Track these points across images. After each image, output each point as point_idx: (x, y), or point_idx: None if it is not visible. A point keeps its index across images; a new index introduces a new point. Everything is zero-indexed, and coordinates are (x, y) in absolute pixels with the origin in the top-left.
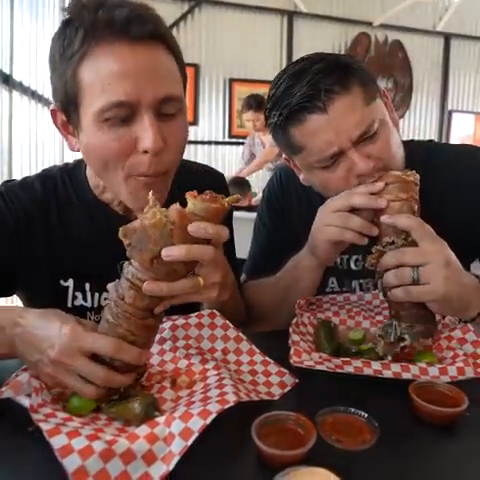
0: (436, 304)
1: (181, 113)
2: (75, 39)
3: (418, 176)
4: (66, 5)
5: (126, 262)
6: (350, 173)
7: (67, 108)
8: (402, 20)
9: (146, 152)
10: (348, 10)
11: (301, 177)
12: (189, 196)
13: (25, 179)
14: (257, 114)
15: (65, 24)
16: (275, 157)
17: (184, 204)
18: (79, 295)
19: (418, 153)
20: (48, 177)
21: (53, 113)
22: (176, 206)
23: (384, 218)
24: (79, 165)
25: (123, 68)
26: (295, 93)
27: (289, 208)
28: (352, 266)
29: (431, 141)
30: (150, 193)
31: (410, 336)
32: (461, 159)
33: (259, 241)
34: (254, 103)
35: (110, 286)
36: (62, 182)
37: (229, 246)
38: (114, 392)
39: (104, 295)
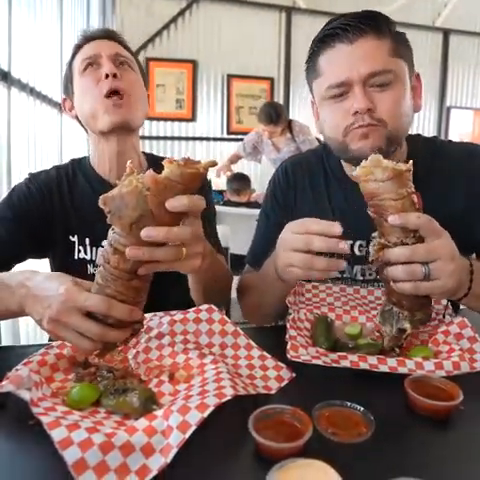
0: (439, 295)
1: (132, 69)
2: (73, 49)
3: (411, 162)
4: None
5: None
6: (350, 110)
7: (67, 91)
8: (401, 16)
9: (107, 76)
10: (347, 5)
11: (315, 124)
12: (165, 162)
13: (45, 169)
14: (276, 127)
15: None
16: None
17: None
18: (81, 249)
19: (422, 149)
20: (61, 166)
21: (63, 101)
22: (151, 172)
23: (393, 220)
24: (85, 157)
25: (92, 46)
26: (333, 24)
27: (293, 201)
28: (356, 252)
29: (436, 137)
30: (128, 162)
31: (411, 324)
32: (463, 157)
33: (261, 232)
34: (275, 118)
35: (99, 252)
36: (72, 167)
37: (209, 218)
38: (111, 347)
39: (100, 250)
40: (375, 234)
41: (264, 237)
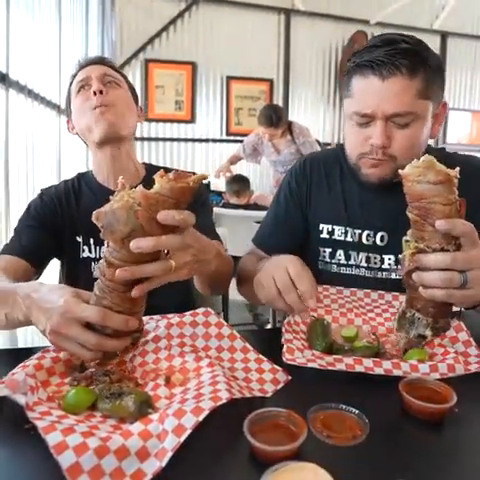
0: (468, 303)
1: (120, 87)
2: (72, 75)
3: (457, 168)
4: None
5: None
6: (368, 139)
7: (68, 111)
8: (399, 18)
9: (95, 94)
10: (345, 8)
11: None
12: (156, 176)
13: (54, 184)
14: (276, 130)
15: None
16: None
17: None
18: (86, 248)
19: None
20: (69, 180)
21: (67, 123)
22: (141, 188)
23: (440, 224)
24: (88, 172)
25: (86, 70)
26: (374, 54)
27: (307, 193)
28: (364, 240)
29: (443, 149)
30: (120, 178)
31: (433, 331)
32: (469, 170)
33: (270, 216)
34: (276, 120)
35: (96, 266)
36: (77, 180)
37: (208, 221)
38: (111, 356)
39: (103, 248)
40: (408, 237)
41: (272, 221)
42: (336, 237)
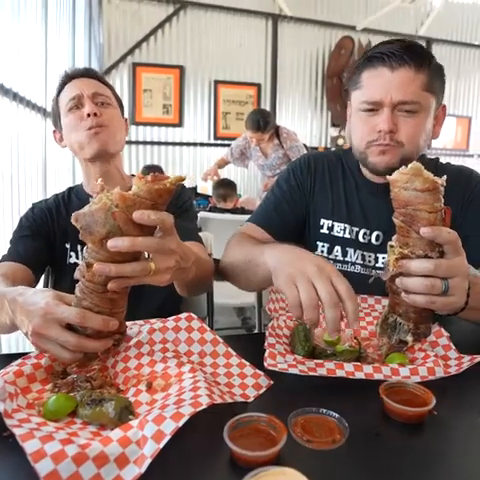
0: (448, 310)
1: (111, 105)
2: (57, 88)
3: (444, 177)
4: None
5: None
6: (376, 127)
7: (56, 125)
8: (385, 24)
9: (89, 115)
10: (332, 14)
11: (347, 127)
12: (135, 178)
13: (45, 198)
14: (263, 135)
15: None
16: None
17: None
18: (73, 254)
19: (427, 167)
20: (59, 193)
21: (54, 133)
22: (118, 190)
23: (425, 232)
24: (79, 184)
25: (75, 85)
26: (384, 48)
27: (311, 186)
28: (360, 238)
29: (437, 159)
30: (99, 180)
31: (414, 337)
32: (460, 178)
33: (271, 197)
34: (263, 125)
35: (77, 268)
36: (68, 193)
37: (191, 226)
38: (92, 357)
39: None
40: (393, 242)
41: (276, 201)
42: (335, 233)
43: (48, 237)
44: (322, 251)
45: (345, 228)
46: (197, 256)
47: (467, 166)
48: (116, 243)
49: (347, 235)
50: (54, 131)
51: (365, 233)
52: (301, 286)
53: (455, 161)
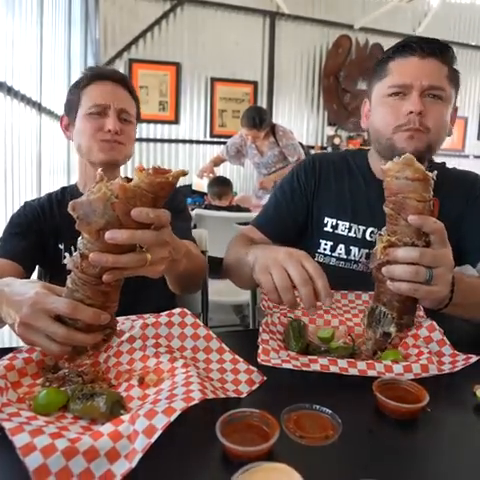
0: (430, 301)
1: (132, 123)
2: (84, 79)
3: (435, 172)
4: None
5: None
6: (405, 112)
7: (69, 113)
8: (382, 24)
9: (109, 131)
10: (329, 13)
11: (363, 123)
12: (135, 170)
13: (38, 197)
14: (259, 132)
15: (82, 74)
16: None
17: None
18: (67, 255)
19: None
20: (53, 193)
21: (62, 118)
22: (119, 180)
23: (413, 219)
24: (72, 185)
25: (103, 90)
26: (413, 39)
27: (315, 187)
28: (367, 237)
29: (444, 164)
30: (99, 170)
31: (397, 328)
32: (466, 180)
33: (273, 201)
34: (258, 122)
35: (70, 258)
36: (61, 192)
37: (185, 226)
38: (81, 351)
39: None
40: (383, 231)
41: (276, 205)
42: (339, 232)
43: (40, 236)
44: (325, 249)
45: (351, 227)
46: (187, 249)
47: (471, 171)
48: (115, 235)
49: (352, 234)
50: (63, 117)
51: (372, 231)
52: (274, 271)
53: (450, 161)
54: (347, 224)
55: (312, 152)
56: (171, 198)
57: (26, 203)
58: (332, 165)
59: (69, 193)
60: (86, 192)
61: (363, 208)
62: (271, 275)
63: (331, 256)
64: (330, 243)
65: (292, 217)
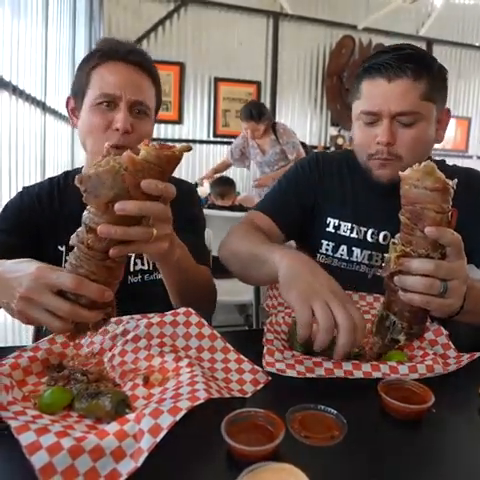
0: (441, 313)
1: (148, 117)
2: (94, 56)
3: (455, 180)
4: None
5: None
6: (375, 139)
7: (76, 96)
8: (386, 24)
9: (117, 130)
10: (333, 13)
11: (352, 130)
12: (142, 145)
13: (39, 182)
14: (258, 125)
15: (93, 50)
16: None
17: None
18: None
19: None
20: (54, 177)
21: (68, 99)
22: (128, 153)
23: (430, 231)
24: (77, 169)
25: (115, 76)
26: (381, 58)
27: (319, 184)
28: (368, 238)
29: (444, 161)
30: (106, 144)
31: (406, 337)
32: (470, 178)
33: (278, 188)
34: (256, 114)
35: (75, 234)
36: (64, 178)
37: (198, 241)
38: (82, 329)
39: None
40: (397, 240)
41: (283, 191)
42: (341, 232)
43: (33, 236)
44: (327, 249)
45: (353, 228)
46: (181, 243)
47: (472, 167)
48: (125, 206)
49: (354, 235)
50: (69, 98)
51: (373, 233)
52: (318, 307)
53: (454, 162)
54: (349, 225)
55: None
56: (189, 201)
57: (23, 191)
58: (335, 165)
59: (72, 183)
60: (92, 166)
61: (364, 209)
62: (311, 308)
63: (333, 257)
64: (332, 244)
65: (299, 202)
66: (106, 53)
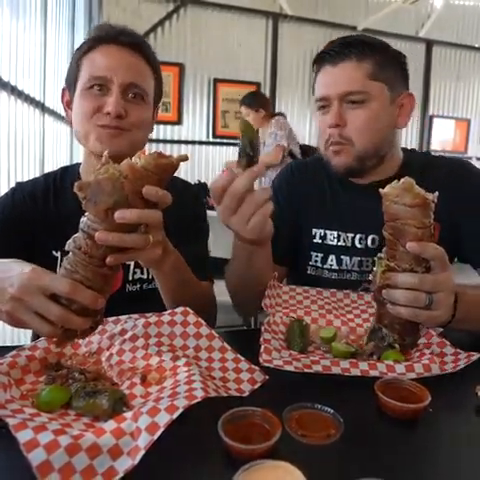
0: (431, 324)
1: (145, 102)
2: (86, 41)
3: (436, 193)
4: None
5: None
6: (325, 125)
7: (70, 87)
8: (385, 25)
9: (108, 114)
10: (332, 14)
11: None
12: (140, 154)
13: (34, 178)
14: (248, 110)
15: (86, 39)
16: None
17: None
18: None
19: (416, 162)
20: (51, 173)
21: (63, 91)
22: (128, 161)
23: (411, 246)
24: (75, 165)
25: (105, 58)
26: (326, 48)
27: (298, 199)
28: (356, 244)
29: (428, 153)
30: (105, 152)
31: (401, 348)
32: (453, 170)
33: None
34: (246, 100)
35: (71, 240)
36: (60, 175)
37: (200, 251)
38: (71, 336)
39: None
40: (382, 255)
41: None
42: (328, 242)
43: (23, 239)
44: (316, 261)
45: (339, 236)
46: (174, 249)
47: (461, 158)
48: (124, 214)
49: (341, 242)
50: (64, 90)
51: (361, 238)
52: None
53: None
54: (335, 233)
55: (316, 154)
56: (192, 206)
57: (16, 188)
58: (311, 174)
59: (70, 179)
60: (92, 174)
61: (347, 215)
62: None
63: (323, 268)
64: (321, 254)
65: (289, 236)
66: (97, 37)
